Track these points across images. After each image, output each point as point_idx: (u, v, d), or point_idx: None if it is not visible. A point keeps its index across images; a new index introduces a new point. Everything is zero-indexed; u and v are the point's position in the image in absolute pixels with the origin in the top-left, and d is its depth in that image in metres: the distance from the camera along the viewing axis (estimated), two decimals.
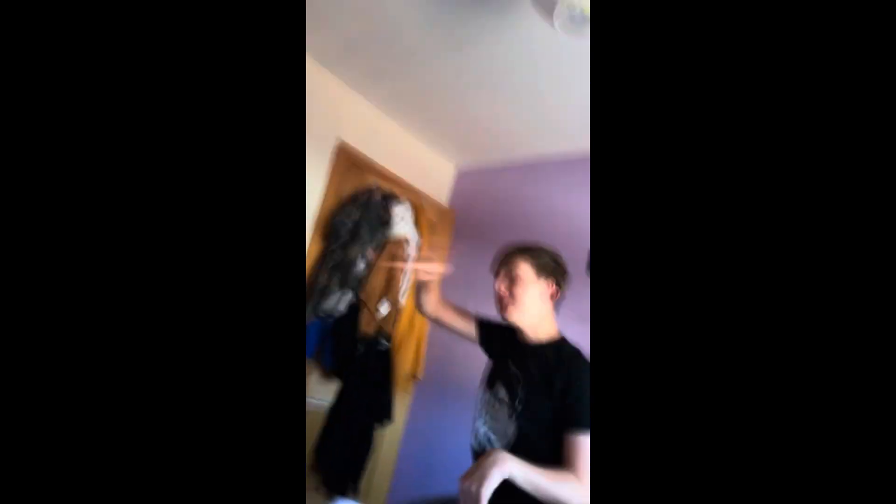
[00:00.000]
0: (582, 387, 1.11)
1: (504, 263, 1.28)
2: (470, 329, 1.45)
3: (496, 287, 1.27)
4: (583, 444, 1.06)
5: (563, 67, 1.94)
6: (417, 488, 1.87)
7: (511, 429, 1.17)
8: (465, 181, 2.97)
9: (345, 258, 2.31)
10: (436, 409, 2.57)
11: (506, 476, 0.95)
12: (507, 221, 2.68)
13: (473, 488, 0.91)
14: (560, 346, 1.24)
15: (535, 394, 1.16)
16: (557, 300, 1.30)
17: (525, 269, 1.24)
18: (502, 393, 1.23)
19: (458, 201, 2.94)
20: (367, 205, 2.39)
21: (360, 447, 2.32)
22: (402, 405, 2.53)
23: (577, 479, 1.02)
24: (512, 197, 2.71)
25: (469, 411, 2.28)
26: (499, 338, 1.38)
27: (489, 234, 2.70)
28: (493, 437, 1.21)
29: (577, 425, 1.07)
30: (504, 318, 1.26)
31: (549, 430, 1.12)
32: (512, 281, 1.24)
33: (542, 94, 2.15)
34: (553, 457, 1.09)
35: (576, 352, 1.22)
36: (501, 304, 1.26)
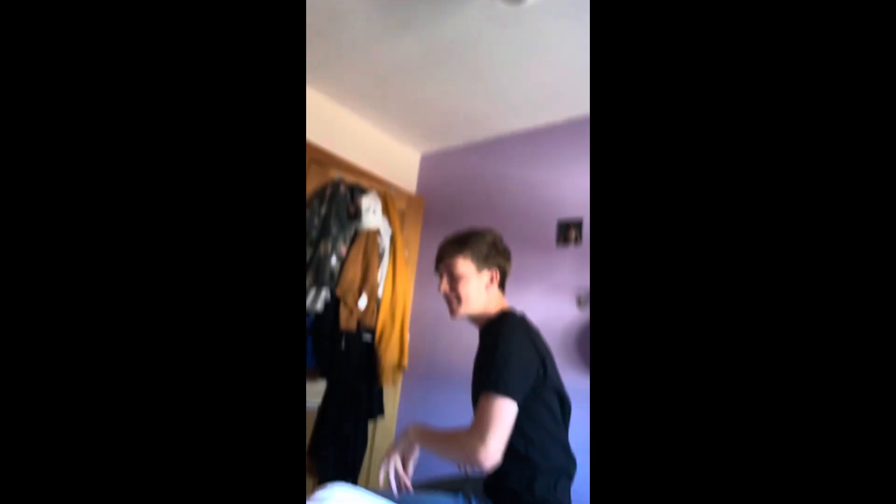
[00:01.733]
0: (497, 346, 1.09)
1: (443, 262, 1.26)
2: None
3: (441, 289, 1.26)
4: (489, 403, 1.02)
5: (512, 42, 1.91)
6: (415, 477, 1.86)
7: None
8: (430, 166, 2.94)
9: (316, 255, 2.27)
10: (425, 397, 2.55)
11: (410, 447, 1.09)
12: (475, 201, 2.67)
13: (383, 470, 1.07)
14: (502, 316, 1.23)
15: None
16: (500, 280, 1.30)
17: (465, 266, 1.23)
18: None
19: (425, 187, 2.91)
20: (332, 199, 2.34)
21: (355, 444, 2.29)
22: (391, 397, 2.51)
23: (469, 434, 1.00)
24: (477, 176, 2.70)
25: (457, 396, 2.33)
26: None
27: (459, 217, 2.69)
28: None
29: (485, 385, 1.06)
30: (454, 317, 1.26)
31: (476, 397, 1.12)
32: (454, 280, 1.23)
33: (495, 71, 2.13)
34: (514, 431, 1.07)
35: (506, 314, 1.21)
36: (450, 305, 1.26)
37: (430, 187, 2.88)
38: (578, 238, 2.27)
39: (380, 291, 2.42)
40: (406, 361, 2.40)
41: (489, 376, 1.05)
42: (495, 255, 1.27)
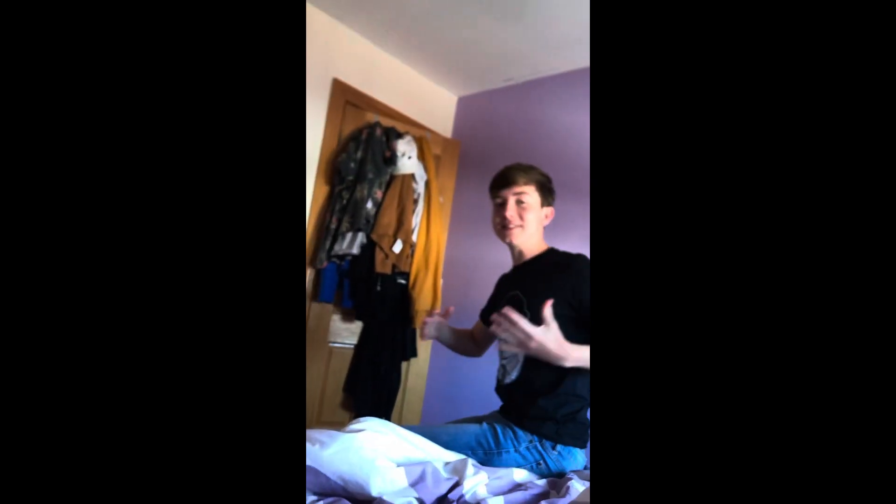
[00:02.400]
0: (585, 283, 1.14)
1: (510, 188, 1.27)
2: (482, 329, 1.51)
3: (507, 213, 1.27)
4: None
5: None
6: (445, 416, 1.92)
7: (521, 356, 1.21)
8: (467, 110, 2.88)
9: (352, 199, 2.29)
10: None
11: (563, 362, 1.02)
12: (512, 146, 2.62)
13: (524, 347, 1.01)
14: (553, 253, 1.29)
15: (539, 301, 1.13)
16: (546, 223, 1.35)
17: (534, 196, 1.27)
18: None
19: (461, 132, 2.87)
20: (368, 142, 2.34)
21: (389, 384, 2.38)
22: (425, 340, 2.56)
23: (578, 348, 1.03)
24: (515, 120, 2.64)
25: None
26: (496, 295, 1.43)
27: (495, 161, 2.62)
28: (507, 365, 1.26)
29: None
30: (507, 240, 1.29)
31: (569, 336, 1.10)
32: (522, 208, 1.26)
33: (535, 8, 2.05)
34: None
35: (573, 253, 1.25)
36: (508, 228, 1.28)
37: (466, 132, 2.83)
38: None
39: (414, 236, 2.43)
40: (440, 305, 2.43)
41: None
42: (551, 193, 1.32)
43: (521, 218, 1.26)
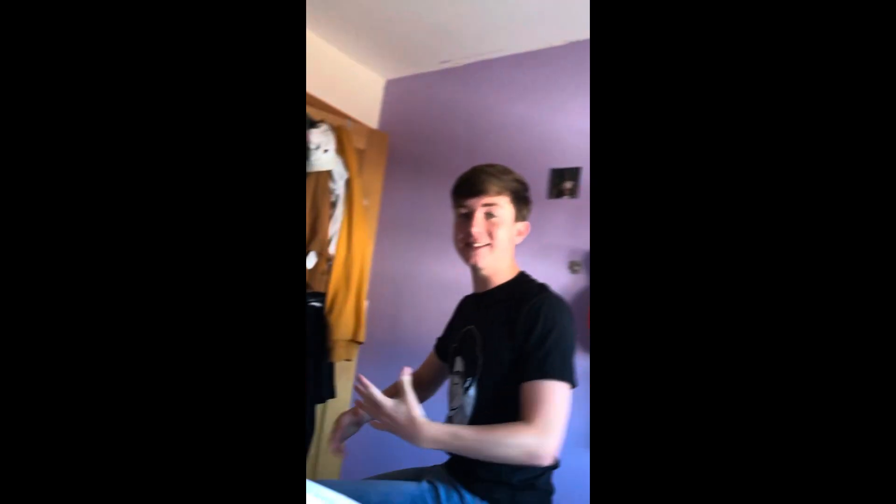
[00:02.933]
0: (545, 327, 1.02)
1: (477, 195, 1.12)
2: (434, 364, 1.45)
3: (473, 228, 1.12)
4: (544, 390, 0.97)
5: None
6: (370, 468, 1.66)
7: (469, 405, 1.11)
8: (397, 96, 2.64)
9: None
10: (386, 377, 2.29)
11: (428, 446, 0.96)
12: (450, 141, 2.40)
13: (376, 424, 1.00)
14: (521, 281, 1.17)
15: (497, 345, 1.09)
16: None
17: (506, 210, 1.13)
18: (459, 365, 1.17)
19: (390, 121, 2.62)
20: None
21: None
22: (344, 376, 2.25)
23: (527, 427, 0.95)
24: (454, 110, 2.42)
25: (413, 367, 2.10)
26: (454, 323, 1.34)
27: (431, 159, 2.45)
28: (454, 416, 1.15)
29: (537, 372, 0.99)
30: (470, 262, 1.15)
31: (510, 383, 1.04)
32: (492, 223, 1.12)
33: None
34: (512, 407, 1.02)
35: (541, 285, 1.13)
36: (473, 248, 1.13)
37: (395, 122, 2.59)
38: (575, 190, 2.03)
39: (332, 248, 2.12)
40: (363, 334, 2.18)
41: (546, 363, 0.99)
42: (527, 205, 1.19)
43: (491, 235, 1.12)
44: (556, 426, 0.95)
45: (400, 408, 0.95)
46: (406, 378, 0.97)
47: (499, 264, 1.15)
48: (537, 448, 0.93)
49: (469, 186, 1.13)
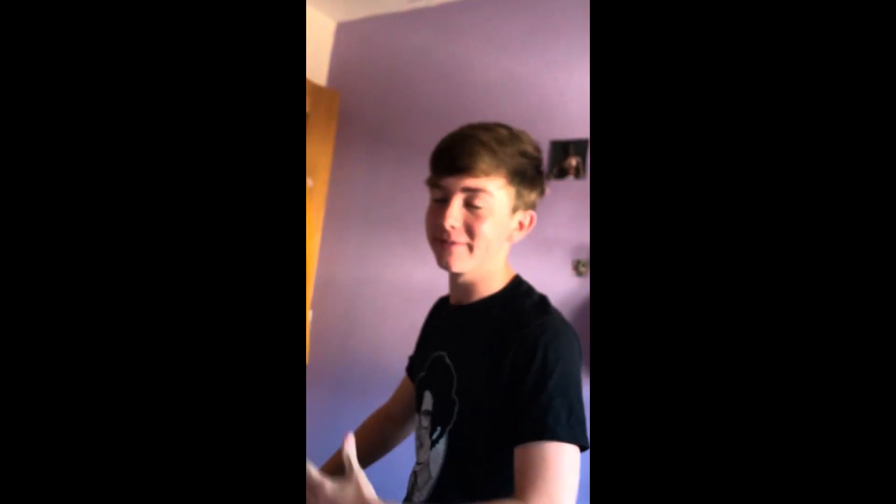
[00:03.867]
0: (545, 367, 0.84)
1: (459, 173, 0.87)
2: (408, 392, 1.18)
3: (446, 221, 0.87)
4: (547, 454, 0.80)
5: None
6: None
7: (437, 458, 0.94)
8: (351, 44, 2.39)
9: None
10: (335, 409, 2.14)
11: None
12: (418, 102, 2.16)
13: None
14: (514, 297, 0.95)
15: (475, 385, 0.91)
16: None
17: (499, 197, 0.89)
18: (427, 402, 0.99)
19: (340, 76, 2.37)
20: None
21: None
22: None
23: (533, 499, 0.78)
24: (423, 63, 2.18)
25: (370, 398, 1.85)
26: (423, 340, 1.14)
27: (393, 126, 2.21)
28: (417, 470, 1.02)
29: (536, 432, 0.81)
30: (442, 264, 0.93)
31: (492, 441, 0.88)
32: (473, 214, 0.88)
33: None
34: (494, 474, 0.89)
35: (539, 305, 0.93)
36: (446, 244, 0.90)
37: (349, 77, 2.36)
38: (582, 169, 1.79)
39: None
40: (306, 355, 2.03)
41: (548, 420, 0.82)
42: (533, 188, 0.93)
43: (471, 231, 0.88)
44: (568, 497, 0.81)
45: (345, 491, 0.76)
46: (349, 448, 0.78)
47: (485, 269, 0.94)
48: None
49: (448, 159, 0.88)
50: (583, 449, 0.82)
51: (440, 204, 0.90)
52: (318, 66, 2.35)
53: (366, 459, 1.10)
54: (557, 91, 1.86)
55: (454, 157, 0.88)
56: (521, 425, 0.83)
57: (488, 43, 2.02)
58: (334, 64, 2.39)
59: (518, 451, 0.82)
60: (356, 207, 2.21)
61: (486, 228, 0.88)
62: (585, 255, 1.74)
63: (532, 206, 0.95)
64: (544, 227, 1.66)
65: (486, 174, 0.87)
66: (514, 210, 0.91)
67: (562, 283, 1.75)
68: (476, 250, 0.90)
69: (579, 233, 1.76)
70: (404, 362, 1.12)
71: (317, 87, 2.17)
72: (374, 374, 2.02)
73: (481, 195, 0.87)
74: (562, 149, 1.80)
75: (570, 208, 1.76)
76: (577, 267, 1.74)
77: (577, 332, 0.90)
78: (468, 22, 2.07)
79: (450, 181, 0.88)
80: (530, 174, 0.91)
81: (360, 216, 2.21)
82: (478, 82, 2.02)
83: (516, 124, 1.86)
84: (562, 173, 1.79)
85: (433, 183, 0.92)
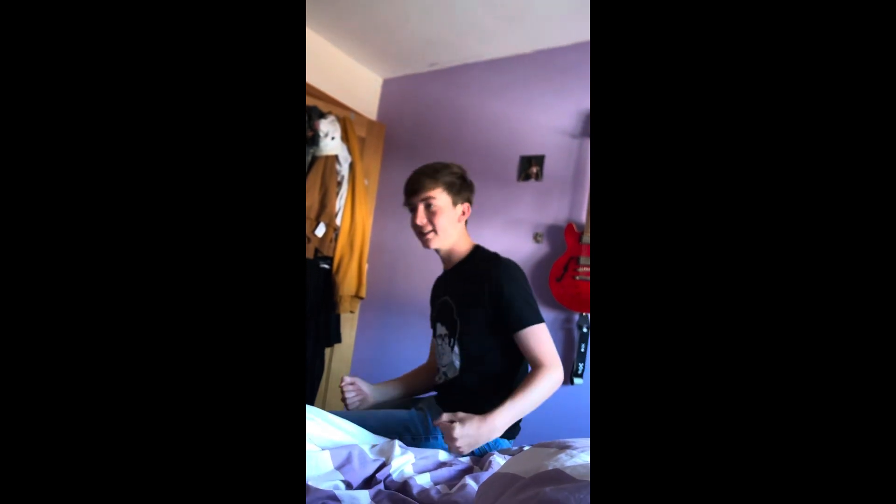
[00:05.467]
0: (508, 288, 1.17)
1: (418, 195, 1.26)
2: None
3: (417, 221, 1.25)
4: (531, 335, 1.14)
5: None
6: None
7: (456, 359, 1.23)
8: (393, 93, 2.82)
9: None
10: (382, 325, 2.58)
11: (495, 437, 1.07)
12: (437, 132, 2.61)
13: (462, 449, 1.02)
14: (477, 255, 1.29)
15: (468, 309, 1.22)
16: (467, 217, 1.34)
17: (442, 199, 1.25)
18: (441, 329, 1.30)
19: (387, 114, 2.80)
20: None
21: (312, 370, 2.31)
22: (348, 325, 2.53)
23: (543, 369, 1.11)
24: (440, 105, 2.62)
25: (413, 325, 2.40)
26: (432, 299, 1.42)
27: (421, 147, 2.63)
28: (446, 371, 1.28)
29: (518, 324, 1.15)
30: (426, 247, 1.29)
31: (489, 338, 1.20)
32: (431, 213, 1.25)
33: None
34: (501, 362, 1.21)
35: (491, 255, 1.27)
36: (423, 235, 1.27)
37: (391, 115, 2.77)
38: (540, 174, 2.28)
39: (338, 220, 2.37)
40: (364, 291, 2.40)
41: (521, 315, 1.15)
42: (466, 187, 1.31)
43: (433, 224, 1.25)
44: (555, 357, 1.13)
45: (464, 428, 1.01)
46: (445, 416, 1.05)
47: (451, 242, 1.27)
48: (559, 378, 1.11)
49: (409, 187, 1.27)
50: (543, 322, 1.15)
51: (413, 213, 1.26)
52: (371, 107, 2.77)
53: (416, 393, 1.40)
54: (525, 123, 2.34)
55: (411, 184, 1.26)
56: (511, 322, 1.15)
57: (481, 92, 2.49)
58: (381, 106, 2.81)
59: (517, 337, 1.14)
60: (395, 198, 2.38)
61: (440, 220, 1.24)
62: (541, 230, 2.20)
63: (467, 201, 1.30)
64: (514, 212, 2.31)
65: (431, 189, 1.23)
66: (455, 205, 1.27)
67: (525, 248, 2.22)
68: (440, 233, 1.24)
69: (537, 215, 2.22)
70: (426, 298, 1.45)
71: (370, 121, 2.62)
72: (407, 305, 2.49)
73: (431, 201, 1.23)
74: (527, 161, 2.30)
75: (531, 200, 2.26)
76: (535, 237, 2.21)
77: (518, 264, 1.25)
78: (468, 78, 2.54)
79: (413, 199, 1.25)
80: (458, 183, 1.28)
81: (398, 205, 2.35)
82: (473, 117, 2.49)
83: (497, 146, 2.60)
84: (527, 177, 2.29)
85: (406, 202, 1.27)
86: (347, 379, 1.28)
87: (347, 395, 1.28)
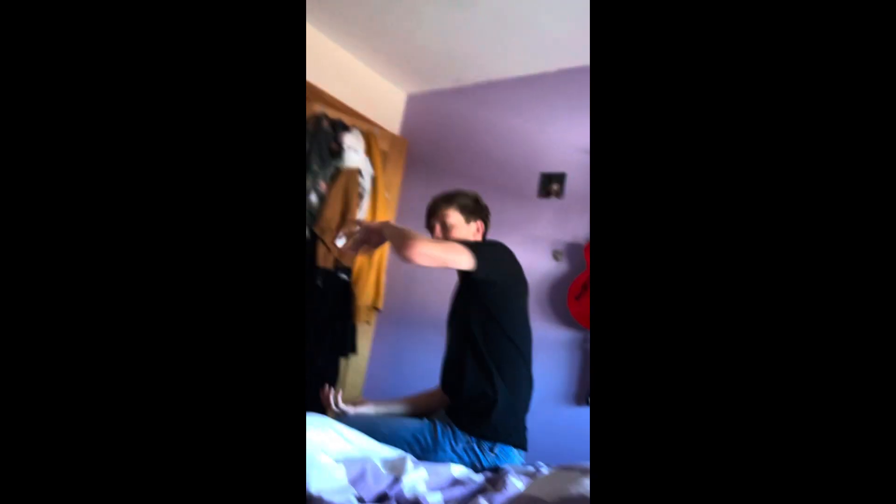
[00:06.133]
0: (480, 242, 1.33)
1: (434, 215, 1.43)
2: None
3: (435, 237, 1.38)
4: (456, 243, 1.23)
5: None
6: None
7: (458, 335, 1.33)
8: (416, 108, 2.86)
9: None
10: (398, 337, 2.59)
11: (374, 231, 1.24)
12: (459, 147, 2.63)
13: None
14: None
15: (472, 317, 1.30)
16: (484, 233, 1.48)
17: (455, 217, 1.40)
18: (451, 334, 1.41)
19: (409, 130, 2.83)
20: (314, 134, 2.29)
21: (326, 380, 2.33)
22: (364, 336, 2.54)
23: (420, 238, 1.15)
24: (463, 122, 2.64)
25: (429, 338, 2.37)
26: (453, 304, 1.48)
27: (443, 162, 2.66)
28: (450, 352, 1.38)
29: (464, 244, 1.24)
30: None
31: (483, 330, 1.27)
32: (446, 229, 1.39)
33: (491, 12, 2.06)
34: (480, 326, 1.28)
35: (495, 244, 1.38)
36: None
37: (414, 130, 2.80)
38: (560, 191, 2.27)
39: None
40: (381, 302, 2.43)
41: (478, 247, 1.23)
42: (479, 209, 1.46)
43: (449, 238, 1.38)
44: (433, 247, 1.16)
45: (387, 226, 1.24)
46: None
47: None
48: (408, 246, 1.12)
49: (428, 211, 1.46)
50: (475, 258, 1.20)
51: (431, 232, 1.42)
52: (394, 122, 2.80)
53: (429, 412, 1.41)
54: (546, 141, 2.34)
55: (430, 208, 1.44)
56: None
57: (502, 108, 2.50)
58: (405, 121, 2.84)
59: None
60: (416, 211, 2.31)
61: (454, 236, 1.39)
62: (560, 247, 2.18)
63: (481, 220, 1.45)
64: (533, 229, 2.31)
65: (445, 209, 1.41)
66: (468, 222, 1.42)
67: (544, 266, 2.21)
68: None
69: (557, 233, 2.20)
70: (443, 313, 1.47)
71: (393, 136, 2.67)
72: (423, 315, 2.47)
73: (446, 219, 1.40)
74: (547, 178, 2.29)
75: (551, 217, 2.25)
76: (554, 255, 2.21)
77: (506, 246, 1.35)
78: (490, 95, 2.56)
79: (432, 220, 1.43)
80: (471, 205, 1.44)
81: (418, 218, 2.28)
82: (494, 133, 2.49)
83: (518, 162, 2.60)
84: (547, 194, 2.28)
85: (427, 224, 1.44)
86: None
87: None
